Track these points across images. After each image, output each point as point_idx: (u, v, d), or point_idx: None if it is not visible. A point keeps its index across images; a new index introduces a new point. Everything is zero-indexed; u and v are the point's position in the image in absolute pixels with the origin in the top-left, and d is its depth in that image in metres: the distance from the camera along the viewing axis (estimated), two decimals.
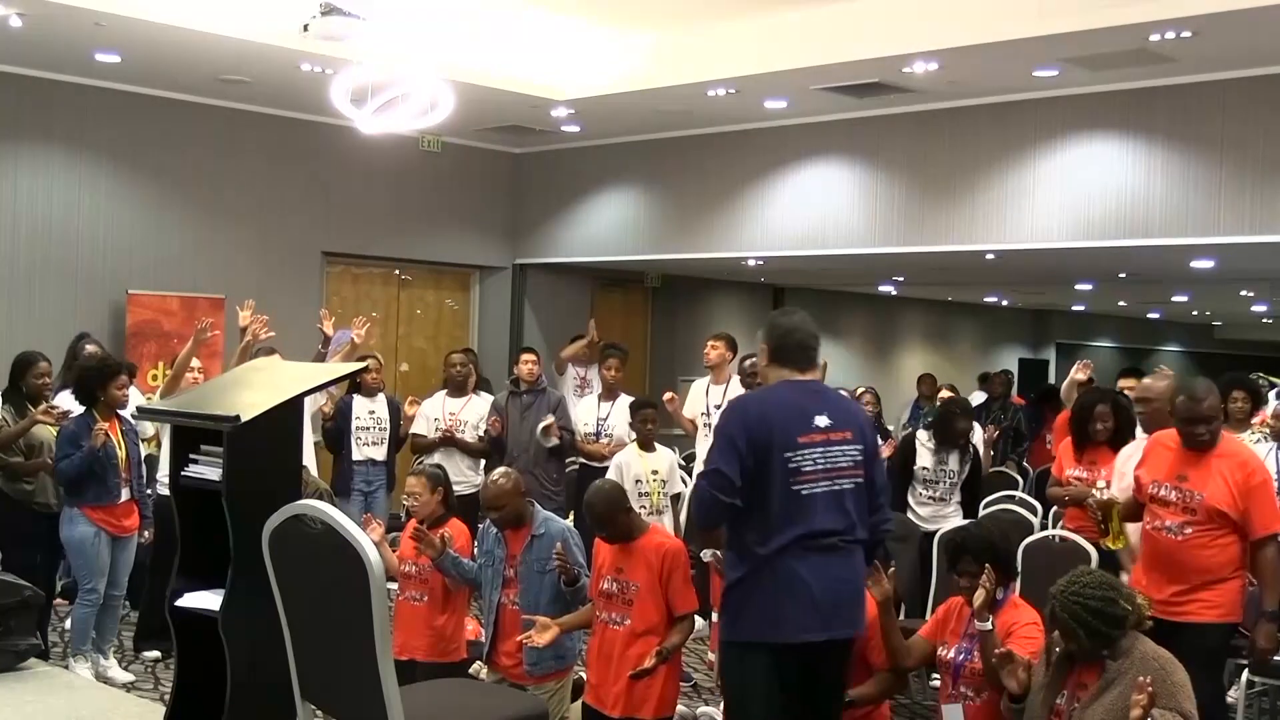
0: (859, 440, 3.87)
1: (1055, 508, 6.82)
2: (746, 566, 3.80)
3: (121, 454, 6.18)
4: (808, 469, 3.76)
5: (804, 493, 3.75)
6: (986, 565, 4.29)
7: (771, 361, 3.96)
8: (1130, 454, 5.38)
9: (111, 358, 6.63)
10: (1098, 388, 7.55)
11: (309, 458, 7.55)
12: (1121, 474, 5.41)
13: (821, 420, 3.80)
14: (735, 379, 7.74)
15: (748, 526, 3.79)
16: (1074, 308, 20.80)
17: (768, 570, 3.76)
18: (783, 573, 3.74)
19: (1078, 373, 7.38)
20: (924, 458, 6.96)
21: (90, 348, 7.31)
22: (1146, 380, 5.44)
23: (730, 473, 3.73)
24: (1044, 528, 6.75)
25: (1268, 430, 6.57)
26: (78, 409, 6.27)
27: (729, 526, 3.88)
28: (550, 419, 7.93)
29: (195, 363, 6.95)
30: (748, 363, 6.48)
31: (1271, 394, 7.69)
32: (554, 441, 7.91)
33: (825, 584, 3.76)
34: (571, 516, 6.55)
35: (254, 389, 4.37)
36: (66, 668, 6.12)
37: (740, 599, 3.83)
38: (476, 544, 5.47)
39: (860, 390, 8.64)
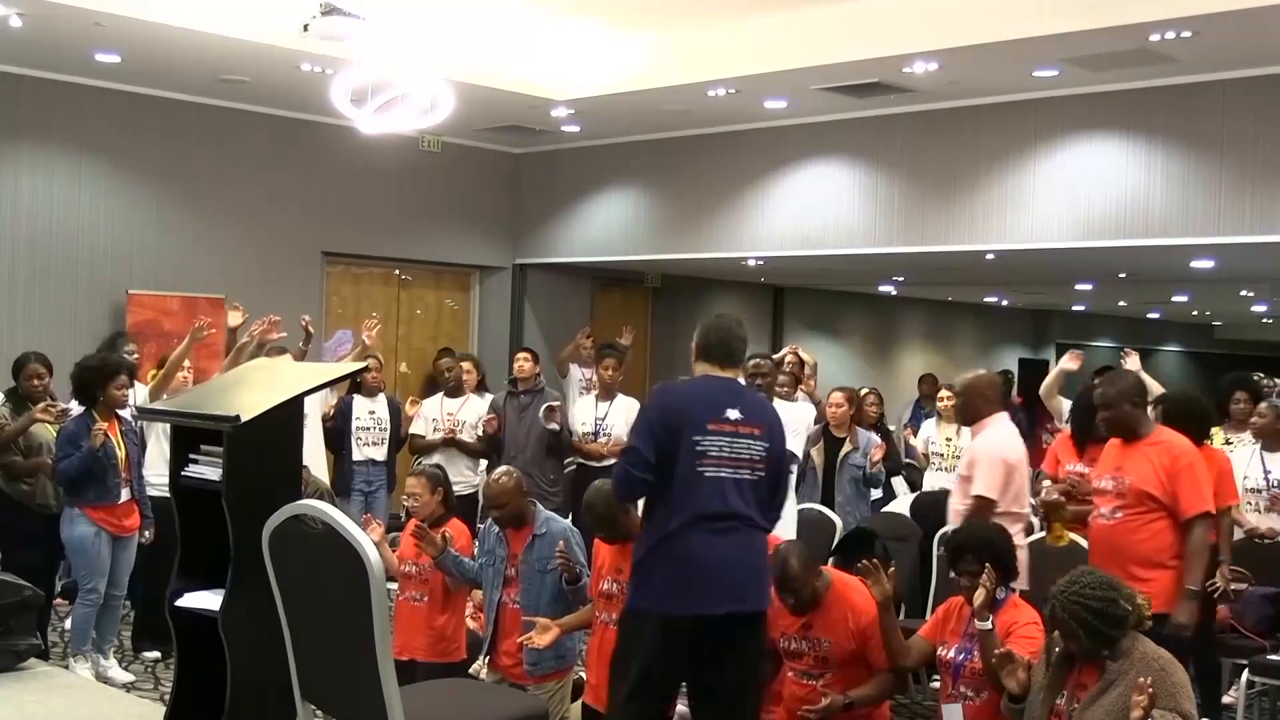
0: (767, 438, 4.09)
1: None
2: (654, 540, 4.03)
3: (121, 454, 6.18)
4: (713, 454, 3.98)
5: (707, 475, 3.97)
6: (987, 565, 4.29)
7: (697, 358, 4.23)
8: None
9: (111, 357, 6.62)
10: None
11: (318, 457, 7.55)
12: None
13: (733, 413, 4.03)
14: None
15: (659, 504, 4.03)
16: (1074, 308, 20.79)
17: (669, 545, 3.98)
18: (682, 548, 3.96)
19: (1069, 362, 7.22)
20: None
21: (129, 347, 7.38)
22: (967, 374, 5.65)
23: (644, 450, 3.99)
24: (1044, 527, 6.74)
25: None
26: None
27: (646, 504, 4.14)
28: (556, 402, 7.94)
29: (184, 362, 6.95)
30: (752, 363, 6.52)
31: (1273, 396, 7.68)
32: (555, 425, 7.90)
33: (721, 561, 3.96)
34: (570, 516, 6.54)
35: (254, 389, 4.37)
36: (66, 668, 6.12)
37: (647, 571, 4.04)
38: (477, 544, 5.47)
39: (864, 391, 8.62)
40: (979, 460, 5.28)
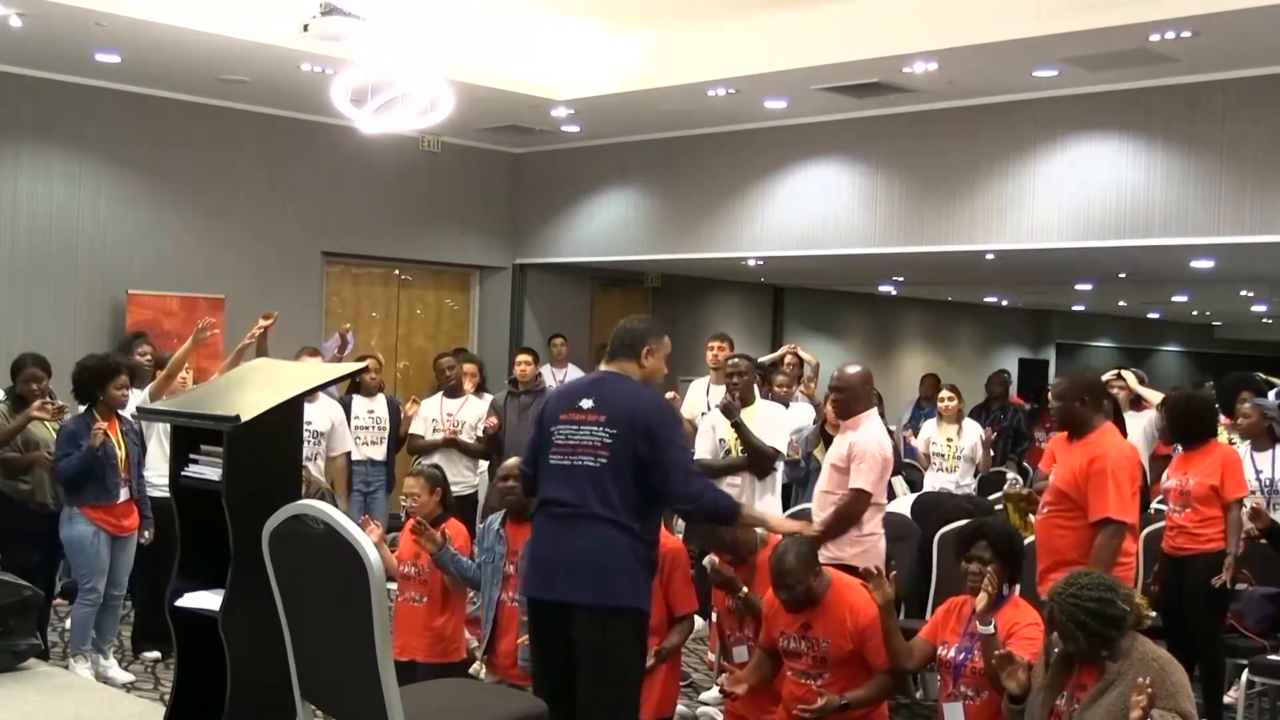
0: (614, 425, 3.99)
1: None
2: None
3: (121, 454, 6.18)
4: (558, 442, 4.07)
5: (552, 462, 4.08)
6: (989, 569, 4.29)
7: None
8: None
9: (111, 357, 6.61)
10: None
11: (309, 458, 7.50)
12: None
13: (586, 402, 4.08)
14: None
15: None
16: (1074, 308, 20.80)
17: (532, 530, 4.21)
18: (532, 532, 4.16)
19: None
20: None
21: (144, 348, 7.34)
22: (846, 369, 5.77)
23: (527, 446, 4.28)
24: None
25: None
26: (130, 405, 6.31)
27: None
28: None
29: (185, 363, 6.95)
30: (730, 363, 6.63)
31: (1271, 394, 7.67)
32: None
33: (552, 548, 4.04)
34: None
35: (254, 389, 4.37)
36: (66, 668, 6.12)
37: None
38: (477, 543, 5.47)
39: None
40: (866, 455, 5.41)
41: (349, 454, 7.80)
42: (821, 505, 5.60)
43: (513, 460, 5.32)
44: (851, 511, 5.37)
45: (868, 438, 5.48)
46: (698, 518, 4.23)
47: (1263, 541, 5.94)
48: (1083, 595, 3.73)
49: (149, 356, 7.31)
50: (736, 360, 6.58)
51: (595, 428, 4.01)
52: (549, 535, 4.04)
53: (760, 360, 8.28)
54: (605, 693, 3.95)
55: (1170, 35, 6.97)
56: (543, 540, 4.07)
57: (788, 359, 8.38)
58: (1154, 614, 5.06)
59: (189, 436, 4.24)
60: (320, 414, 7.31)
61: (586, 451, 4.00)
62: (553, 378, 10.21)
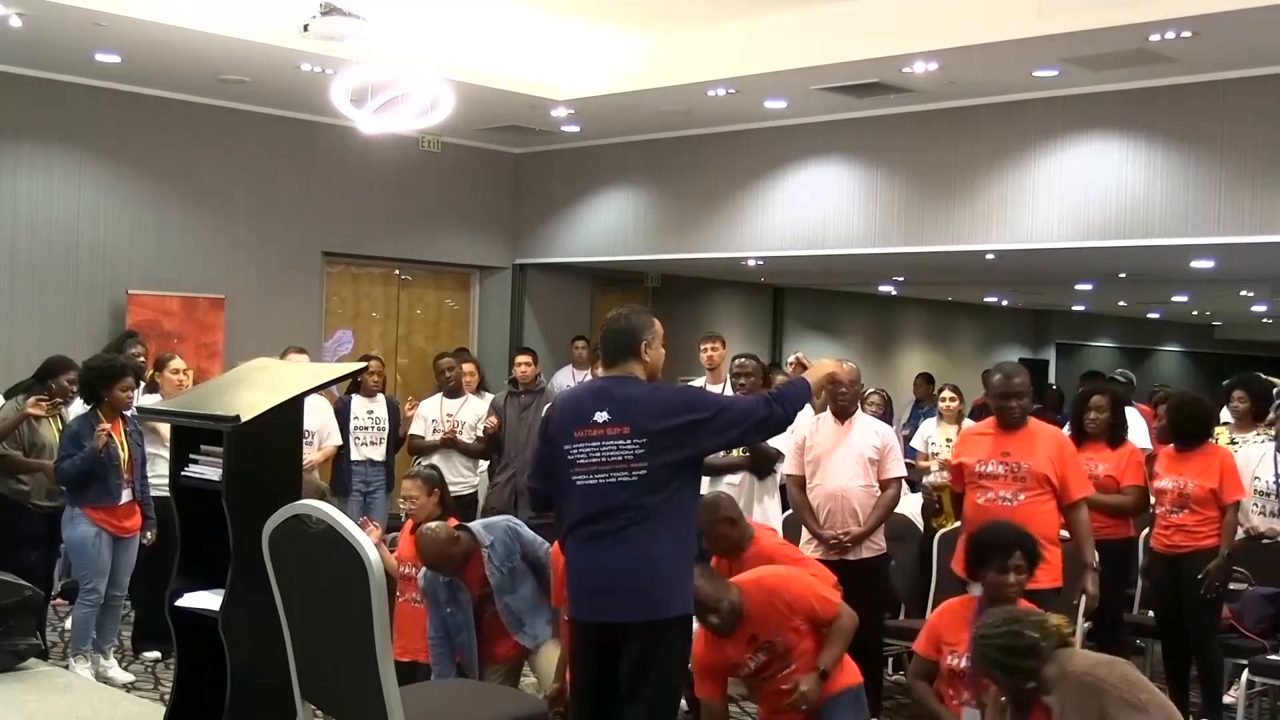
0: (642, 434, 3.83)
1: None
2: None
3: (124, 455, 6.18)
4: (582, 461, 3.88)
5: (579, 482, 3.90)
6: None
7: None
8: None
9: (119, 359, 6.61)
10: (1097, 380, 7.57)
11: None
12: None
13: (600, 415, 3.89)
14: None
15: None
16: (1074, 308, 20.80)
17: (565, 552, 4.07)
18: (568, 556, 4.02)
19: None
20: None
21: (135, 349, 7.35)
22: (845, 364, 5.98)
23: (535, 461, 4.22)
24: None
25: (1273, 432, 6.51)
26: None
27: None
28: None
29: (179, 363, 6.96)
30: (736, 362, 6.61)
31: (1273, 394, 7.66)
32: None
33: (592, 569, 3.91)
34: None
35: (254, 389, 4.37)
36: (66, 668, 6.12)
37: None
38: (428, 598, 5.35)
39: (869, 392, 8.60)
40: (895, 445, 5.91)
41: (339, 447, 7.85)
42: (859, 498, 5.70)
43: (429, 546, 5.12)
44: (896, 499, 5.93)
45: (885, 428, 6.00)
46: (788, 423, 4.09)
47: (1266, 542, 5.95)
48: (990, 636, 3.63)
49: (142, 358, 7.32)
50: (744, 360, 6.58)
51: (622, 441, 3.84)
52: (587, 558, 3.90)
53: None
54: (649, 704, 3.86)
55: (1170, 35, 6.97)
56: (581, 564, 3.92)
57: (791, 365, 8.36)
58: (1084, 624, 5.22)
59: (189, 436, 4.25)
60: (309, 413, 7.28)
61: (621, 467, 3.83)
62: (573, 379, 10.20)
